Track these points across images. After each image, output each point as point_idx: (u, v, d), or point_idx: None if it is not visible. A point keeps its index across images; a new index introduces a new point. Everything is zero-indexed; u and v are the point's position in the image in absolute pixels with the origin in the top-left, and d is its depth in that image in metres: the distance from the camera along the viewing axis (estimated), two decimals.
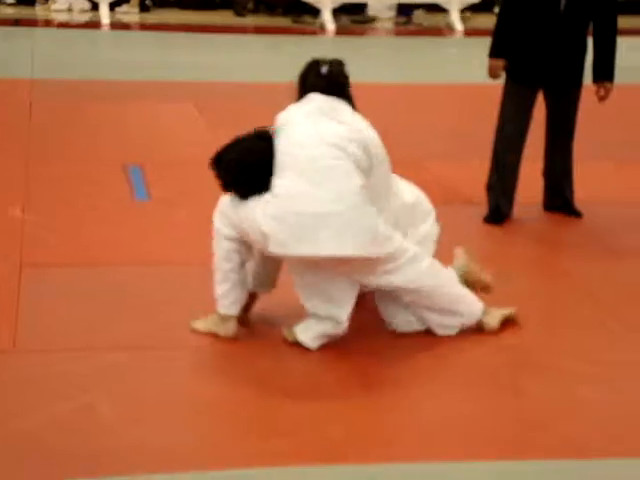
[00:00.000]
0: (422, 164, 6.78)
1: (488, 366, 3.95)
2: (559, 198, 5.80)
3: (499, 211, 5.66)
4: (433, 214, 4.28)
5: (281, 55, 11.07)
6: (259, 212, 3.86)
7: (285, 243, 3.83)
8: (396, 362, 3.92)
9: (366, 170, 3.91)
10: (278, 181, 3.89)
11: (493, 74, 5.59)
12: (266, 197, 3.88)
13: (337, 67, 4.13)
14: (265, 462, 3.23)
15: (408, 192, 4.23)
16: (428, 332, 4.11)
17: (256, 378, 3.81)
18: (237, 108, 8.16)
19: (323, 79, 4.04)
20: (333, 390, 3.72)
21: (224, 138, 7.13)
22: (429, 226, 4.22)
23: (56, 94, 8.49)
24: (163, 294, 4.52)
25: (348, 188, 3.82)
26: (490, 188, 5.71)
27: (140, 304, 4.40)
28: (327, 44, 12.08)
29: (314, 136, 3.90)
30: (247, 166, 3.94)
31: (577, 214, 5.77)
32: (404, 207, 4.12)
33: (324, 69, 4.06)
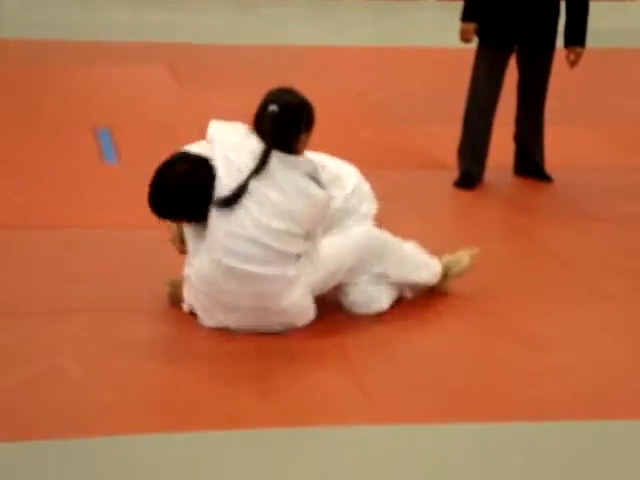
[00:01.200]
0: (394, 127, 6.79)
1: (460, 331, 3.99)
2: (530, 162, 5.83)
3: (470, 176, 5.69)
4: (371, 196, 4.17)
5: (254, 17, 11.01)
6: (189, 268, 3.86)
7: (199, 312, 3.89)
8: (371, 329, 3.94)
9: (302, 239, 3.77)
10: (196, 259, 3.79)
11: (465, 37, 5.59)
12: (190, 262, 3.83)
13: (287, 111, 3.72)
14: (239, 425, 3.25)
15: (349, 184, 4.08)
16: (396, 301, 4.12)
17: (232, 342, 3.81)
18: (209, 70, 8.12)
19: (268, 123, 3.67)
20: (310, 357, 3.74)
21: (196, 100, 7.07)
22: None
23: (24, 55, 8.41)
24: (133, 257, 4.52)
25: (266, 290, 3.72)
26: (461, 153, 5.73)
27: (110, 267, 4.40)
28: (300, 6, 12.02)
29: (241, 231, 3.68)
30: (187, 192, 3.73)
31: (547, 179, 5.81)
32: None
33: (272, 107, 3.69)
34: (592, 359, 3.79)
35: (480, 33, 5.59)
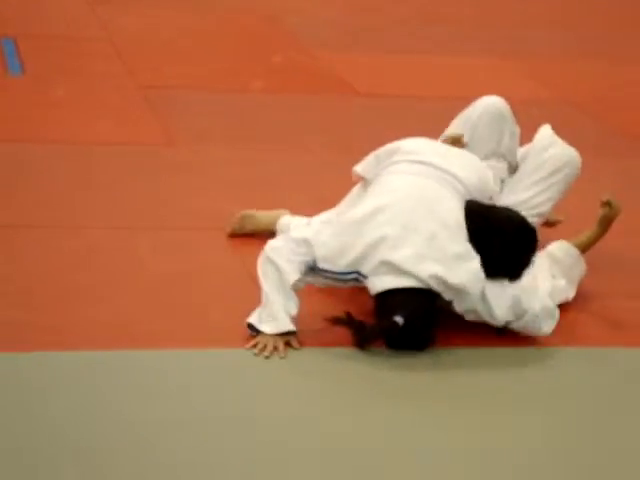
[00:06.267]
0: (308, 52, 6.79)
1: None
2: None
3: None
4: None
5: None
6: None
7: None
8: None
9: None
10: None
11: None
12: None
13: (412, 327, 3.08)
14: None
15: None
16: None
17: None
18: None
19: (385, 333, 3.10)
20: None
21: (103, 13, 6.83)
22: None
23: None
24: (40, 172, 4.45)
25: None
26: None
27: (15, 181, 4.32)
28: None
29: None
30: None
31: None
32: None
33: (398, 319, 3.02)
34: None
35: None
